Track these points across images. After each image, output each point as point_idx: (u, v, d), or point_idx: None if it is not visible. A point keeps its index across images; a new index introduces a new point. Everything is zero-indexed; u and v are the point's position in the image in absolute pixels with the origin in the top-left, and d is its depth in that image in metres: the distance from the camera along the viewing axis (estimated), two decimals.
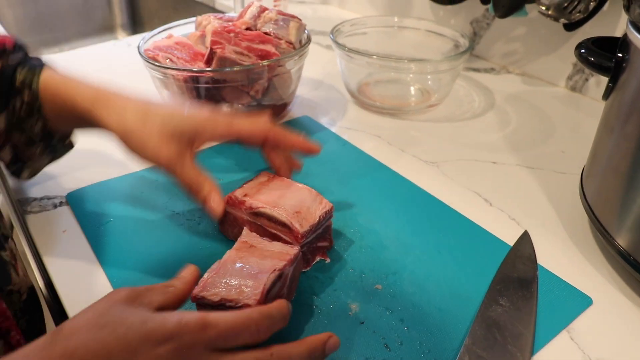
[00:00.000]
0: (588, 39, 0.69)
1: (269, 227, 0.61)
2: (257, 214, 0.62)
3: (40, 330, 0.65)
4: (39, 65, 0.64)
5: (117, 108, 0.61)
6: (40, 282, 0.66)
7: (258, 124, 0.65)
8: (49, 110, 0.63)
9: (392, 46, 1.10)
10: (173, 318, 0.41)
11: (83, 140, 0.89)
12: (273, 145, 0.67)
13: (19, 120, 0.63)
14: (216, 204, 0.62)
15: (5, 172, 0.71)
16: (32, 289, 0.64)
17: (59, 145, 0.70)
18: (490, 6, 1.02)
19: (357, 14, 1.52)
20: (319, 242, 0.63)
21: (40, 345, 0.40)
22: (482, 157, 0.86)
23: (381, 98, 1.02)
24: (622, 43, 0.62)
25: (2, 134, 0.64)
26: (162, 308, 0.45)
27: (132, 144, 0.61)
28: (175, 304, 0.47)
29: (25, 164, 0.69)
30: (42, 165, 0.71)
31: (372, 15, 1.21)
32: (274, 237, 0.61)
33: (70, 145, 0.72)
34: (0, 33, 0.70)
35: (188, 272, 0.51)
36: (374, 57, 0.93)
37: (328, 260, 0.64)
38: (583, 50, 0.67)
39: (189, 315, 0.42)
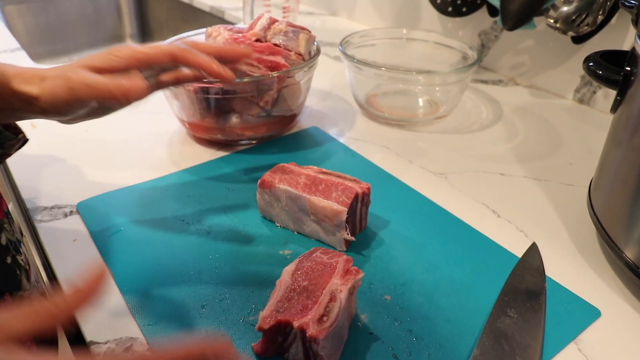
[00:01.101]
0: (596, 53, 0.69)
1: (338, 177, 0.69)
2: (326, 173, 0.70)
3: (52, 339, 0.65)
4: None
5: (38, 74, 0.57)
6: (46, 291, 0.67)
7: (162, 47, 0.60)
8: None
9: (400, 58, 1.10)
10: None
11: (93, 148, 0.89)
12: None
13: None
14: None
15: None
16: (44, 296, 0.64)
17: (4, 139, 0.63)
18: (498, 19, 1.03)
19: (365, 25, 1.53)
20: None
21: None
22: (490, 168, 0.86)
23: (389, 109, 1.02)
24: (630, 57, 0.63)
25: None
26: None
27: (46, 90, 0.56)
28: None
29: None
30: None
31: (381, 27, 1.22)
32: (330, 190, 0.67)
33: (20, 142, 0.65)
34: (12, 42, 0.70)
35: (86, 279, 0.38)
36: (383, 68, 0.93)
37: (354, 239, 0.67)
38: (591, 64, 0.67)
39: None
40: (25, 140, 0.65)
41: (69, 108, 0.57)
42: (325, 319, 0.50)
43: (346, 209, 0.63)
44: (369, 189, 0.68)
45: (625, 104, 0.63)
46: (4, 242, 0.55)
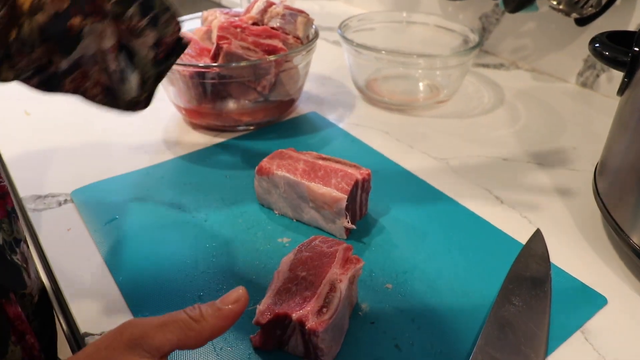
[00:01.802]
0: (602, 33, 0.67)
1: (337, 163, 0.68)
2: (325, 158, 0.68)
3: (52, 333, 0.64)
4: None
5: None
6: (46, 282, 0.66)
7: None
8: None
9: (400, 42, 1.08)
10: None
11: (87, 136, 0.88)
12: None
13: None
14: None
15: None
16: (43, 291, 0.63)
17: (158, 8, 0.54)
18: (500, 1, 1.01)
19: (364, 9, 1.51)
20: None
21: None
22: (492, 153, 0.85)
23: (389, 94, 1.01)
24: (639, 37, 0.61)
25: None
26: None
27: None
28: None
29: (133, 64, 0.56)
30: (152, 55, 0.56)
31: (381, 11, 1.20)
32: (330, 176, 0.65)
33: (175, 24, 0.56)
34: None
35: (233, 298, 0.41)
36: (383, 52, 0.92)
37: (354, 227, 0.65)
38: (597, 45, 0.65)
39: None
40: (180, 37, 0.57)
41: None
42: (324, 310, 0.48)
43: (346, 196, 0.62)
44: (369, 175, 0.66)
45: (633, 87, 0.61)
46: (0, 241, 0.54)
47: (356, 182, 0.64)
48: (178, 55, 0.57)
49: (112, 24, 0.51)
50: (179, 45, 0.57)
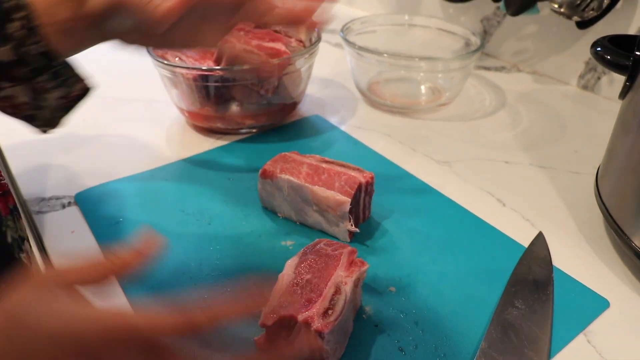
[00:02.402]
0: (604, 37, 0.67)
1: (340, 166, 0.68)
2: (328, 162, 0.69)
3: None
4: None
5: None
6: None
7: None
8: (44, 21, 0.59)
9: (402, 44, 1.09)
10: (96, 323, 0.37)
11: (91, 139, 0.88)
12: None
13: (16, 46, 0.59)
14: None
15: (34, 129, 0.67)
16: None
17: (67, 75, 0.64)
18: (501, 4, 1.01)
19: (365, 11, 1.51)
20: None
21: None
22: (495, 156, 0.85)
23: (391, 97, 1.01)
24: None
25: (8, 68, 0.61)
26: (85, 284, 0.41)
27: None
28: (98, 282, 0.42)
29: (41, 104, 0.65)
30: (53, 101, 0.65)
31: (383, 13, 1.20)
32: (333, 179, 0.65)
33: (83, 83, 0.66)
34: None
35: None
36: (385, 55, 0.92)
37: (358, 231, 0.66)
38: (599, 49, 0.66)
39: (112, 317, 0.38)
40: (88, 88, 0.67)
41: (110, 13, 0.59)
42: (330, 312, 0.49)
43: (349, 199, 0.62)
44: (372, 178, 0.67)
45: (635, 90, 0.61)
46: (9, 239, 0.54)
47: (359, 186, 0.64)
48: (84, 99, 0.67)
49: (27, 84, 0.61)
50: (86, 93, 0.66)
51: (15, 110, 0.64)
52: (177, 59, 0.84)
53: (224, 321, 0.39)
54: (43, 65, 0.61)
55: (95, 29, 0.61)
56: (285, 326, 0.49)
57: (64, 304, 0.38)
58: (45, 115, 0.65)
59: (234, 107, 0.86)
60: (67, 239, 0.68)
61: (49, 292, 0.38)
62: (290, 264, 0.55)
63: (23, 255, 0.57)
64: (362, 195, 0.66)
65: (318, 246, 0.57)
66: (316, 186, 0.64)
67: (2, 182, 0.57)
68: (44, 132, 0.67)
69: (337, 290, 0.51)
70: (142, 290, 0.59)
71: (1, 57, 0.58)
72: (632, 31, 0.96)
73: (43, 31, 0.59)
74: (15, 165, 0.81)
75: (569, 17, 0.96)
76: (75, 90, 0.66)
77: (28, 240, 0.61)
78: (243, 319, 0.40)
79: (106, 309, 0.38)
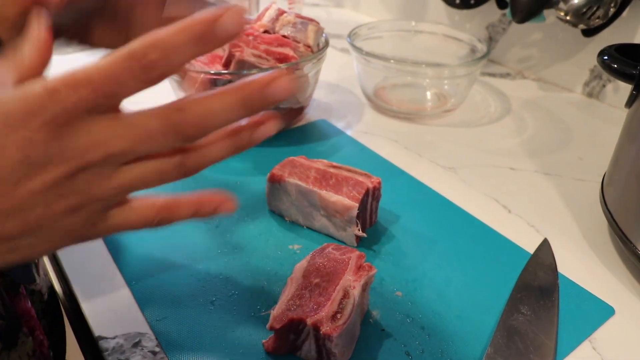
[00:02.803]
0: (610, 46, 0.68)
1: (348, 171, 0.68)
2: (336, 167, 0.69)
3: (61, 334, 0.65)
4: None
5: None
6: (57, 285, 0.66)
7: None
8: None
9: (408, 50, 1.09)
10: (35, 86, 0.30)
11: None
12: None
13: None
14: None
15: None
16: (52, 290, 0.63)
17: None
18: (507, 11, 1.02)
19: (371, 17, 1.52)
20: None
21: None
22: (500, 162, 0.86)
23: (398, 102, 1.01)
24: None
25: None
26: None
27: None
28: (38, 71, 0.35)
29: None
30: None
31: (389, 19, 1.21)
32: (341, 184, 0.66)
33: None
34: None
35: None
36: (391, 61, 0.92)
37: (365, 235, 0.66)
38: (606, 57, 0.66)
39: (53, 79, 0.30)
40: None
41: None
42: (339, 316, 0.49)
43: (357, 205, 0.63)
44: (379, 183, 0.67)
45: None
46: None
47: (367, 191, 0.65)
48: None
49: None
50: None
51: None
52: None
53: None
54: None
55: None
56: (294, 329, 0.50)
57: None
58: None
59: None
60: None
61: None
62: (298, 268, 0.55)
63: None
64: (369, 200, 0.66)
65: (326, 250, 0.57)
66: (324, 191, 0.65)
67: None
68: None
69: (346, 295, 0.51)
70: (150, 291, 0.60)
71: None
72: (637, 40, 0.97)
73: None
74: None
75: (575, 25, 0.97)
76: None
77: None
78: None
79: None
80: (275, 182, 0.69)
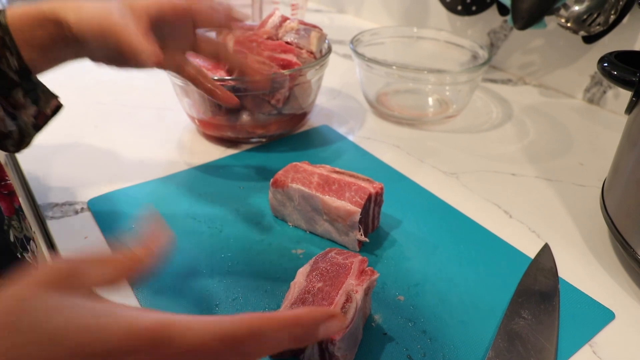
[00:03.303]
0: (610, 53, 0.69)
1: (351, 176, 0.69)
2: (339, 172, 0.70)
3: None
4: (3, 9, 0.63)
5: (74, 3, 0.60)
6: None
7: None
8: (20, 38, 0.61)
9: (410, 56, 1.10)
10: (119, 328, 0.31)
11: (103, 146, 0.89)
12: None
13: None
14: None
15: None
16: None
17: (40, 92, 0.66)
18: (509, 18, 1.02)
19: (373, 23, 1.53)
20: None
21: None
22: (501, 168, 0.86)
23: (399, 108, 1.02)
24: None
25: None
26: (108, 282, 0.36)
27: (83, 19, 0.59)
28: (118, 281, 0.37)
29: (14, 120, 0.65)
30: (28, 119, 0.66)
31: (391, 26, 1.21)
32: (344, 190, 0.66)
33: (56, 101, 0.67)
34: None
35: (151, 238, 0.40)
36: (394, 67, 0.93)
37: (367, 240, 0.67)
38: (606, 64, 0.67)
39: (141, 321, 0.31)
40: (59, 105, 0.67)
41: (94, 41, 0.59)
42: None
43: (360, 210, 0.63)
44: (382, 189, 0.68)
45: None
46: (12, 239, 0.55)
47: (370, 196, 0.65)
48: (54, 118, 0.68)
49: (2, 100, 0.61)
50: (58, 111, 0.67)
51: None
52: None
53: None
54: (18, 81, 0.62)
55: (72, 49, 0.62)
56: None
57: (75, 303, 0.32)
58: (15, 135, 0.65)
59: (245, 117, 0.87)
60: (80, 245, 0.69)
61: (56, 286, 0.33)
62: (302, 272, 0.56)
63: (28, 255, 0.58)
64: (371, 206, 0.67)
65: (329, 255, 0.58)
66: (327, 196, 0.66)
67: (8, 182, 0.58)
68: (14, 152, 0.67)
69: (349, 299, 0.52)
70: (154, 296, 0.60)
71: None
72: (637, 46, 0.97)
73: (19, 49, 0.60)
74: (29, 171, 0.83)
75: (576, 32, 0.98)
76: (48, 108, 0.67)
77: (34, 240, 0.62)
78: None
79: (132, 308, 0.33)
80: (278, 188, 0.69)
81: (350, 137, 0.94)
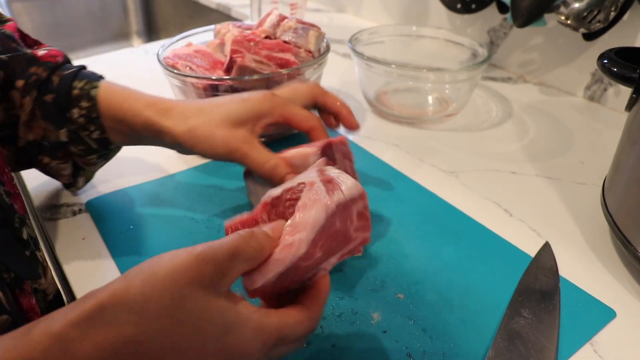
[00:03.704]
0: (610, 50, 0.68)
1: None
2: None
3: None
4: (95, 77, 0.68)
5: (178, 110, 0.64)
6: (61, 290, 0.66)
7: (307, 115, 0.69)
8: (108, 121, 0.65)
9: (409, 55, 1.10)
10: (253, 333, 0.41)
11: None
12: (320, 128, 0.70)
13: (77, 129, 0.65)
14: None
15: (62, 186, 0.75)
16: (58, 293, 0.64)
17: (113, 152, 0.73)
18: (508, 16, 1.02)
19: (372, 22, 1.53)
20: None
21: (70, 323, 0.35)
22: (501, 167, 0.86)
23: (399, 107, 1.02)
24: None
25: (64, 147, 0.66)
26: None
27: (199, 139, 0.63)
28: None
29: (81, 171, 0.72)
30: (95, 170, 0.75)
31: (390, 24, 1.21)
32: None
33: (119, 148, 0.73)
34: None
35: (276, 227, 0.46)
36: (393, 65, 0.93)
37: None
38: (606, 61, 0.66)
39: (266, 325, 0.42)
40: (120, 148, 0.74)
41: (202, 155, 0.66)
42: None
43: (316, 149, 0.63)
44: (344, 140, 0.67)
45: None
46: (25, 236, 0.55)
47: (329, 144, 0.65)
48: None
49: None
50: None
51: (56, 177, 0.71)
52: (187, 68, 0.85)
53: None
54: (96, 148, 0.67)
55: (163, 143, 0.67)
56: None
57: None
58: (81, 183, 0.74)
59: None
60: (78, 246, 0.68)
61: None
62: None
63: (40, 254, 0.58)
64: (339, 157, 0.66)
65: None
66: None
67: (13, 182, 0.58)
68: (72, 192, 0.76)
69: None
70: None
71: (61, 137, 0.65)
72: (638, 43, 0.97)
73: (103, 123, 0.65)
74: (27, 172, 0.82)
75: (576, 29, 0.97)
76: (112, 157, 0.74)
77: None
78: None
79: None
80: (249, 177, 0.69)
81: (350, 136, 0.94)
